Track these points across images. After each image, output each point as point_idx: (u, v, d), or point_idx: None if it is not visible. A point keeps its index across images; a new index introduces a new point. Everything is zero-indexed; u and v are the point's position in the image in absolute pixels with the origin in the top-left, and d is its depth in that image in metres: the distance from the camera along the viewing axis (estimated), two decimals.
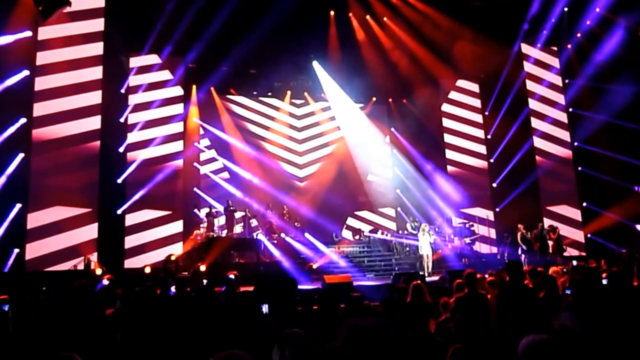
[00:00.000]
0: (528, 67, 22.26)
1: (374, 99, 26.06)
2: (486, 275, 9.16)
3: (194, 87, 22.71)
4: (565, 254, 18.07)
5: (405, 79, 22.83)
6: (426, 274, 16.67)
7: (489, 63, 21.80)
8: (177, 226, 19.99)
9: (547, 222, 19.75)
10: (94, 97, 17.70)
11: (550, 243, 17.95)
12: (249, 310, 6.95)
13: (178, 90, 21.18)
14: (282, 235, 20.61)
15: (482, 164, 23.63)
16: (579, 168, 21.32)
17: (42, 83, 16.84)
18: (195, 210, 21.39)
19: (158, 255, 18.55)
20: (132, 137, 19.67)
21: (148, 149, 19.78)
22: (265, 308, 7.43)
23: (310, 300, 11.56)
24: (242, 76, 23.29)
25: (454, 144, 23.92)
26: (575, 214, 21.19)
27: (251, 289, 11.03)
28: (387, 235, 22.74)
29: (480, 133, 23.91)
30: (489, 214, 22.88)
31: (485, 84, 23.82)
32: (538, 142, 21.74)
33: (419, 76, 22.31)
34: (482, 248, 22.30)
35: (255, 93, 24.81)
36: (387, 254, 20.91)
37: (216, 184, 22.76)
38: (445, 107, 24.27)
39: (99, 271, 14.75)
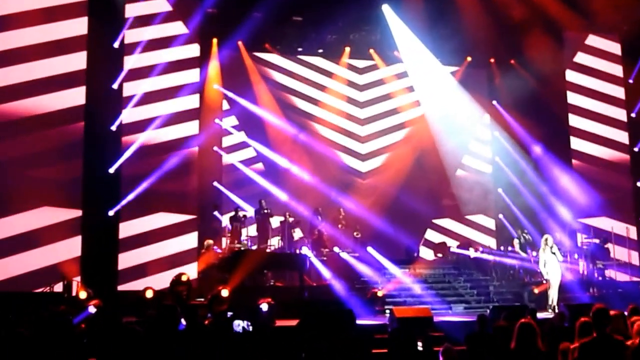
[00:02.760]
0: None
1: (469, 59, 25.83)
2: (625, 313, 9.03)
3: (215, 41, 22.93)
4: None
5: (514, 31, 22.59)
6: (550, 309, 16.60)
7: (636, 8, 21.29)
8: (190, 236, 20.34)
9: None
10: (77, 60, 18.04)
11: None
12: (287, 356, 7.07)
13: (193, 50, 21.47)
14: (336, 249, 20.68)
15: (621, 156, 23.23)
16: None
17: (3, 42, 17.15)
18: (216, 213, 21.62)
19: (163, 276, 18.87)
20: (129, 114, 19.94)
21: (150, 130, 20.06)
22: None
23: (373, 340, 11.62)
24: (282, 26, 23.41)
25: (582, 127, 23.56)
26: None
27: (292, 323, 11.18)
28: (482, 253, 22.55)
29: (619, 113, 23.47)
30: (629, 227, 22.45)
31: (629, 41, 23.29)
32: None
33: (535, 26, 21.99)
34: (618, 274, 21.89)
35: (300, 50, 24.92)
36: (482, 279, 20.78)
37: (245, 178, 23.03)
38: (570, 76, 23.89)
39: (83, 294, 15.05)
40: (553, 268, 17.39)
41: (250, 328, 9.04)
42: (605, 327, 6.83)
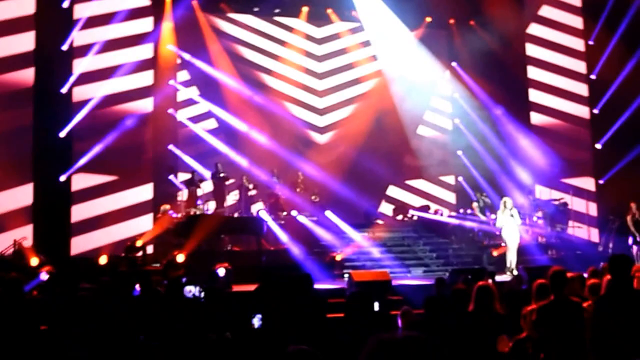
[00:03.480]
0: None
1: (429, 19, 25.77)
2: (584, 275, 9.16)
3: (169, 1, 22.56)
4: None
5: None
6: (508, 272, 16.82)
7: None
8: (144, 192, 20.21)
9: None
10: (24, 5, 17.69)
11: None
12: (243, 320, 7.06)
13: (146, 10, 21.22)
14: (294, 213, 20.70)
15: (582, 111, 23.43)
16: None
17: None
18: (171, 177, 21.43)
19: (118, 242, 18.79)
20: (81, 67, 19.70)
21: (102, 93, 19.84)
22: (256, 321, 7.48)
23: (331, 305, 11.67)
24: None
25: (542, 81, 23.70)
26: None
27: (249, 288, 11.16)
28: (442, 215, 22.72)
29: (580, 66, 23.64)
30: (588, 189, 22.75)
31: (589, 3, 23.41)
32: None
33: None
34: (577, 236, 22.20)
35: (256, 10, 24.66)
36: (441, 242, 20.96)
37: (199, 139, 22.83)
38: (534, 29, 24.00)
39: (34, 261, 14.93)
40: (511, 231, 17.48)
41: (202, 294, 8.99)
42: (562, 289, 6.90)
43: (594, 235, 22.34)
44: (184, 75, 23.37)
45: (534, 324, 7.07)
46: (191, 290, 9.23)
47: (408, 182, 25.62)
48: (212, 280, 10.19)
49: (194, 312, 7.70)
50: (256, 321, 7.61)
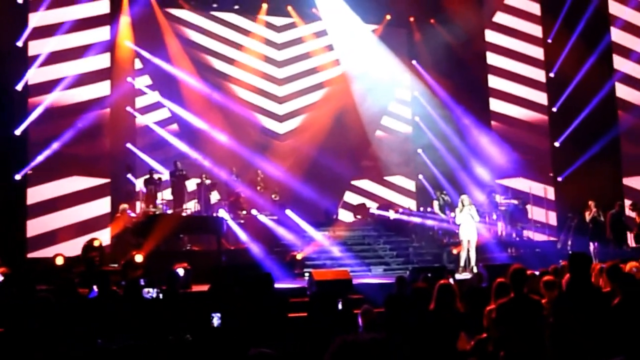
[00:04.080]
0: None
1: (389, 17, 25.88)
2: (541, 272, 9.26)
3: None
4: None
5: None
6: (463, 269, 16.88)
7: None
8: (103, 200, 20.02)
9: (629, 200, 19.89)
10: None
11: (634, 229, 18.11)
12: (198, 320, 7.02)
13: (103, 5, 20.89)
14: (254, 212, 20.65)
15: (539, 116, 23.69)
16: None
17: None
18: (129, 176, 21.30)
19: (75, 242, 18.57)
20: (35, 74, 19.44)
21: (58, 90, 19.58)
22: (216, 319, 7.45)
23: (293, 304, 11.67)
24: None
25: (501, 88, 23.92)
26: None
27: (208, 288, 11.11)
28: (402, 214, 22.82)
29: (538, 74, 23.88)
30: (547, 187, 22.99)
31: (548, 2, 23.67)
32: (621, 87, 21.77)
33: None
34: (537, 234, 22.49)
35: (215, 6, 24.55)
36: (401, 241, 21.05)
37: (160, 139, 22.68)
38: (490, 36, 24.20)
39: None
40: (469, 228, 17.48)
41: (161, 296, 8.93)
42: (522, 287, 6.96)
43: (552, 232, 22.57)
44: (142, 72, 23.19)
45: (494, 322, 7.12)
46: (149, 291, 9.16)
47: (368, 180, 25.69)
48: (172, 281, 10.11)
49: (153, 314, 7.65)
50: (215, 320, 7.57)
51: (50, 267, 15.20)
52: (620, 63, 21.79)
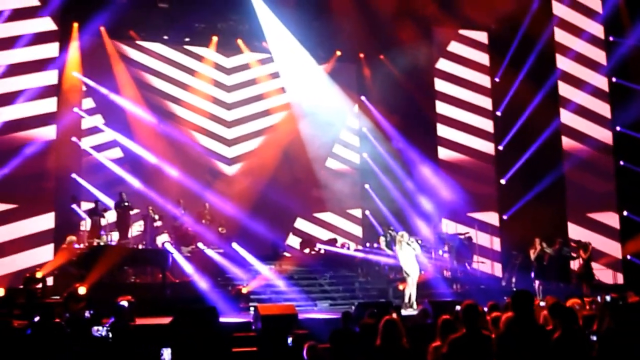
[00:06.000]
0: (560, 10, 22.64)
1: (339, 53, 26.15)
2: (485, 309, 9.39)
3: (76, 26, 22.30)
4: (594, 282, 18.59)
5: (383, 26, 22.93)
6: (407, 305, 16.82)
7: (503, 5, 22.00)
8: (45, 222, 19.80)
9: (575, 236, 20.26)
10: None
11: (576, 265, 18.39)
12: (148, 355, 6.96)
13: (50, 24, 20.84)
14: (200, 245, 20.57)
15: (487, 147, 24.08)
16: (620, 162, 21.91)
17: None
18: (74, 207, 21.05)
19: (16, 265, 18.47)
20: None
21: (4, 109, 19.53)
22: (166, 354, 7.41)
23: (237, 338, 11.64)
24: (147, 12, 23.03)
25: (450, 116, 24.27)
26: (613, 224, 21.80)
27: (152, 321, 11.05)
28: (349, 249, 22.90)
29: (487, 103, 24.34)
30: (493, 222, 23.31)
31: (496, 38, 24.22)
32: (568, 121, 22.26)
33: (404, 22, 22.45)
34: (481, 270, 22.72)
35: (166, 38, 24.59)
36: (348, 275, 21.10)
37: (103, 167, 22.57)
38: (442, 64, 24.61)
39: None
40: (411, 264, 17.18)
41: (110, 335, 8.84)
42: (475, 322, 7.03)
43: (497, 269, 22.86)
44: (89, 102, 23.15)
45: (444, 357, 7.14)
46: (99, 329, 9.07)
47: (315, 215, 25.79)
48: (116, 313, 10.03)
49: (102, 352, 7.58)
50: (167, 355, 7.53)
51: None
52: (569, 95, 22.28)
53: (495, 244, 23.32)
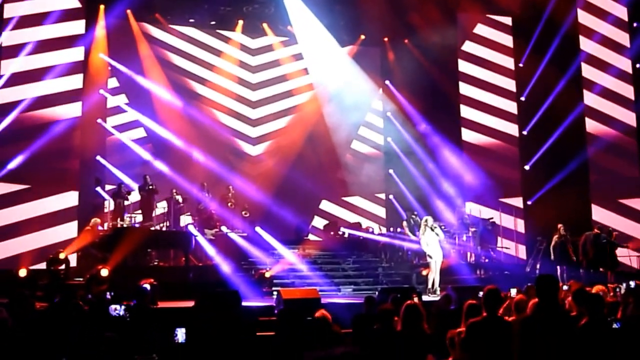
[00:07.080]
0: None
1: (363, 37, 26.00)
2: (511, 294, 9.29)
3: (102, 8, 22.28)
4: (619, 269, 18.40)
5: (408, 10, 22.79)
6: (430, 291, 16.74)
7: None
8: (69, 200, 19.79)
9: (599, 222, 20.07)
10: None
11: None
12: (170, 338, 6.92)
13: (78, 16, 20.79)
14: (223, 228, 20.56)
15: (512, 129, 23.80)
16: None
17: None
18: (98, 189, 21.09)
19: (39, 243, 18.57)
20: (11, 68, 19.37)
21: (31, 86, 19.47)
22: (180, 334, 7.34)
23: (258, 322, 11.60)
24: None
25: (474, 97, 24.01)
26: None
27: (175, 304, 11.04)
28: (373, 233, 22.82)
29: (510, 84, 24.07)
30: (517, 209, 23.14)
31: (521, 23, 23.92)
32: (592, 104, 22.06)
33: (429, 6, 22.30)
34: (505, 253, 22.57)
35: (191, 22, 24.55)
36: (371, 261, 21.05)
37: (127, 149, 22.57)
38: (467, 46, 24.36)
39: None
40: (435, 249, 17.13)
41: (127, 314, 8.80)
42: (496, 308, 6.94)
43: (522, 254, 22.68)
44: (113, 82, 23.11)
45: (463, 340, 7.00)
46: (116, 308, 9.03)
47: (340, 198, 25.68)
48: (138, 296, 10.02)
49: (120, 332, 7.53)
50: (180, 335, 7.47)
51: (13, 279, 15.00)
52: (593, 79, 22.08)
53: (520, 226, 23.08)
